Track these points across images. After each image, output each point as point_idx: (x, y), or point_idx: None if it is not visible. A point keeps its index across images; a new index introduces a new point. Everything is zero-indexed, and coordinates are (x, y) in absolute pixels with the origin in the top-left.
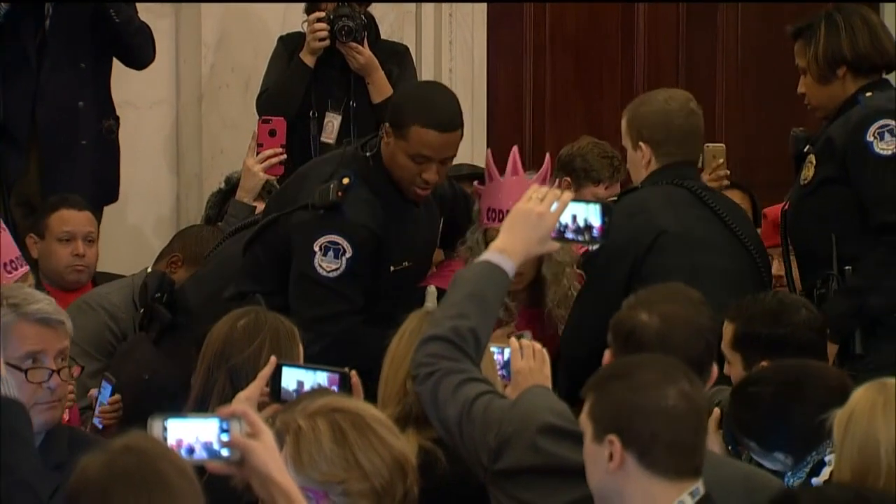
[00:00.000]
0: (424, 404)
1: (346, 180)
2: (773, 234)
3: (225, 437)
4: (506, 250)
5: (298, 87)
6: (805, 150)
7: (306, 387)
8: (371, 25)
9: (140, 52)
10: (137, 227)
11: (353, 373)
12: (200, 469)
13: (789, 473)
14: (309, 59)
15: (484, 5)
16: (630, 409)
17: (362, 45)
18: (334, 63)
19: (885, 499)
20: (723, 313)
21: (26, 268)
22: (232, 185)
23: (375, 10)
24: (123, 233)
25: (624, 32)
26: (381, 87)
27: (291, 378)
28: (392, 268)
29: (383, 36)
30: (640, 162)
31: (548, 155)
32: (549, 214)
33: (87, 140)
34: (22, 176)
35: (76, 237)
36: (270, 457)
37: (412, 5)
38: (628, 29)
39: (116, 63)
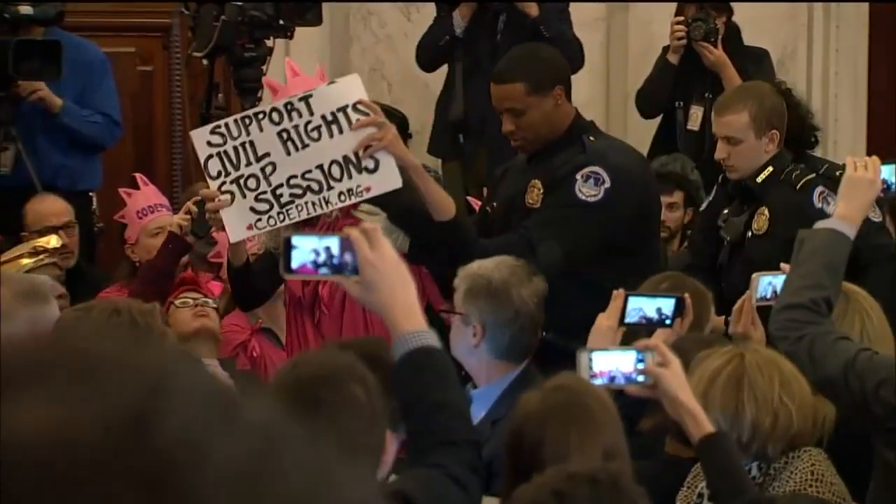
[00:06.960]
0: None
1: None
2: None
3: (640, 366)
4: (847, 217)
5: (666, 82)
6: None
7: (647, 312)
8: (732, 32)
9: (570, 60)
10: None
11: (687, 296)
12: None
13: None
14: (673, 58)
15: (866, 21)
16: None
17: (714, 46)
18: (696, 62)
19: None
20: None
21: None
22: None
23: (773, 21)
24: None
25: None
26: (732, 82)
27: (635, 305)
28: None
29: (780, 43)
30: (763, 148)
31: (319, 67)
32: (876, 178)
33: None
34: (474, 163)
35: None
36: (679, 382)
37: (804, 18)
38: None
39: None
